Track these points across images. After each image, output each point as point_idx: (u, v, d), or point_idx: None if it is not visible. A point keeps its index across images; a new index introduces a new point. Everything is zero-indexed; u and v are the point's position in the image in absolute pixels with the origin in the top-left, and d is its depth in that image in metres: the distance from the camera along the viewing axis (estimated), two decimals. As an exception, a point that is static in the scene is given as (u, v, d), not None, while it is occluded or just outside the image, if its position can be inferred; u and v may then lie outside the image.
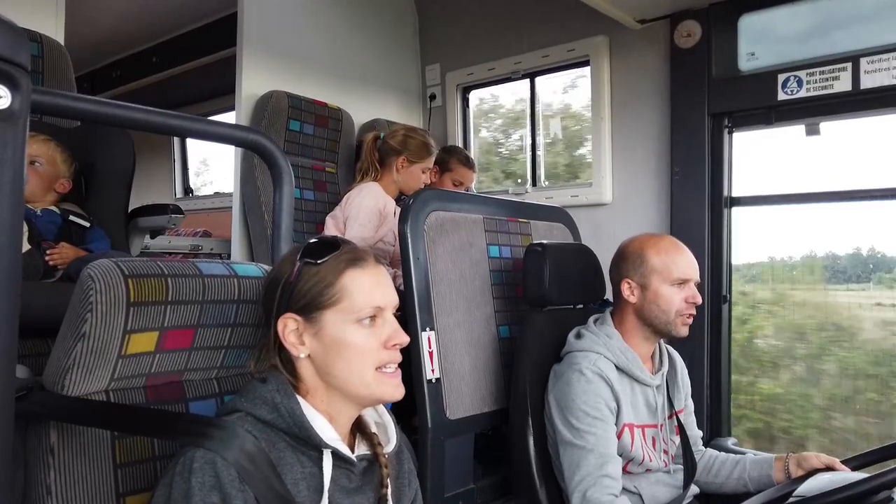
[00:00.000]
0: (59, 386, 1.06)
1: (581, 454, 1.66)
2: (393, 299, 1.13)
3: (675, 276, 1.77)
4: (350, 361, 1.08)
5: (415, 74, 3.57)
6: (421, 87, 3.58)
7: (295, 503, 1.00)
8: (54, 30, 2.49)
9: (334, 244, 1.13)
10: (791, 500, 1.59)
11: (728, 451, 2.06)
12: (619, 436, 1.72)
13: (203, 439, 0.97)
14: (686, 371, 2.00)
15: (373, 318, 1.10)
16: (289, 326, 1.09)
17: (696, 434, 1.98)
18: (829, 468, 1.70)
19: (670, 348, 1.97)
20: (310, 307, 1.09)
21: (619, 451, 1.72)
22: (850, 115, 2.34)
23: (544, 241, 2.01)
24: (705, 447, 2.02)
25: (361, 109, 3.15)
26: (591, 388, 1.70)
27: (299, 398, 1.08)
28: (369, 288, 1.10)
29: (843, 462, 1.71)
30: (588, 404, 1.69)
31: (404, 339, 1.12)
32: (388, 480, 1.15)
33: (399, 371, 1.13)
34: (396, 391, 1.12)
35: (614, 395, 1.72)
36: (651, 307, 1.79)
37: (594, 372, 1.72)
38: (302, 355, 1.10)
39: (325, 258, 1.10)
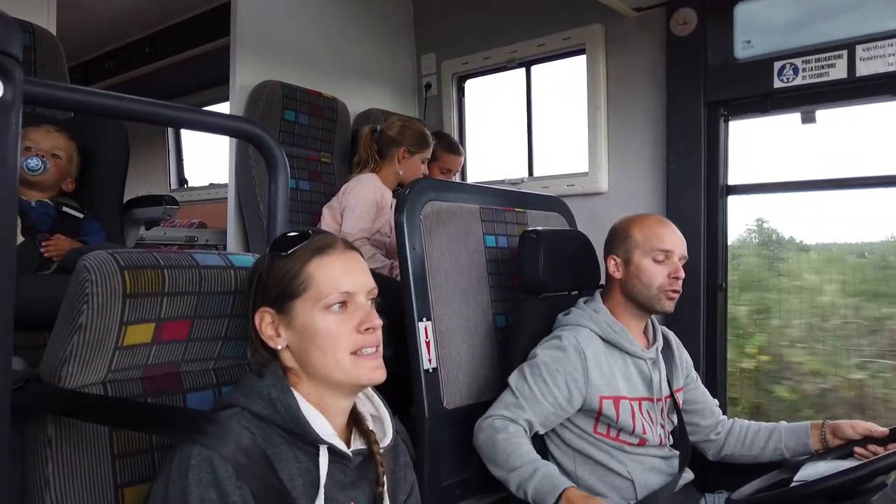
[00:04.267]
0: (55, 378, 1.06)
1: (509, 397, 1.73)
2: (364, 284, 1.12)
3: (655, 246, 1.79)
4: (324, 349, 1.08)
5: (410, 63, 3.55)
6: (416, 77, 3.56)
7: (292, 498, 1.01)
8: (46, 20, 2.47)
9: (304, 235, 1.13)
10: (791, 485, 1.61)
11: None
12: (599, 409, 1.74)
13: (199, 435, 0.97)
14: (682, 348, 2.01)
15: (343, 303, 1.09)
16: (265, 320, 1.11)
17: (710, 401, 2.00)
18: (866, 438, 1.72)
19: (664, 328, 1.98)
20: (281, 299, 1.10)
21: (605, 421, 1.75)
22: (846, 103, 2.34)
23: (539, 228, 2.01)
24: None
25: (356, 99, 3.14)
26: (561, 356, 1.74)
27: (295, 393, 1.08)
28: (336, 274, 1.09)
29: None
30: (548, 366, 1.73)
31: (376, 322, 1.10)
32: (384, 478, 1.15)
33: (378, 352, 1.12)
34: (374, 373, 1.10)
35: (585, 372, 1.73)
36: (634, 282, 1.81)
37: (572, 344, 1.75)
38: (279, 347, 1.11)
39: (293, 249, 1.11)
